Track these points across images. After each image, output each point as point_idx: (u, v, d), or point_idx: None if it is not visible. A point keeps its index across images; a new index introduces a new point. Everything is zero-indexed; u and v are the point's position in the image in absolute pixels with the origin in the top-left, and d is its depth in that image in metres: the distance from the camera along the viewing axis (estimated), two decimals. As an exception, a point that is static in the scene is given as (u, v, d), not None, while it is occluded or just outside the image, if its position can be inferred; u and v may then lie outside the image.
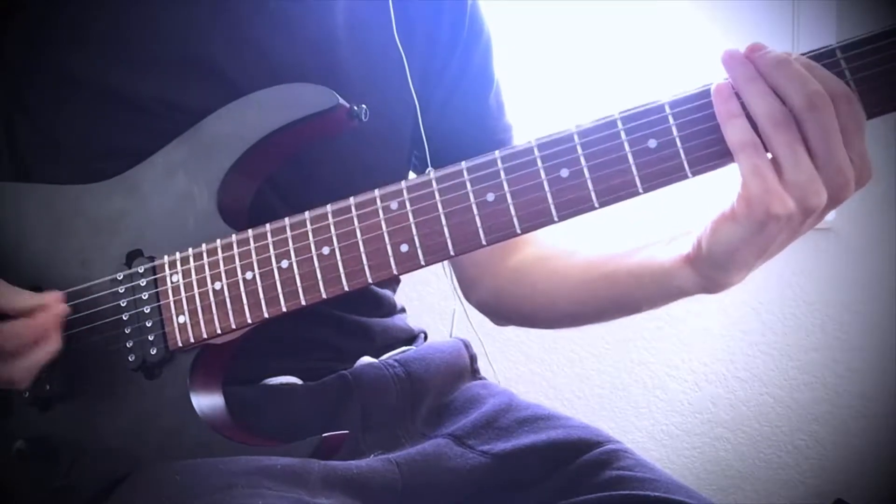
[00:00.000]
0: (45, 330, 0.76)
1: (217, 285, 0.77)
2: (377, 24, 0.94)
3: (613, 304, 0.86)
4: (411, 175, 0.99)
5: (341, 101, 0.77)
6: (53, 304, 0.77)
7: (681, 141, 0.67)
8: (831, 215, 1.94)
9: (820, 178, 0.63)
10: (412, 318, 1.03)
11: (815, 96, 0.62)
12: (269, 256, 0.76)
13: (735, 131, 0.65)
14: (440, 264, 0.91)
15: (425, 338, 1.02)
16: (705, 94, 0.67)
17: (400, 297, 1.04)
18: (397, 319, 1.00)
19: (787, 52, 0.65)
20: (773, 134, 0.64)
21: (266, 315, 0.76)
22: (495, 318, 1.04)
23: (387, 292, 1.00)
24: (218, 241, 0.78)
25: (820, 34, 1.94)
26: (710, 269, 0.72)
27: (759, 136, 0.65)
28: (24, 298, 0.77)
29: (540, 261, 0.94)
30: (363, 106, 0.79)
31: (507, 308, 1.00)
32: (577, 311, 0.90)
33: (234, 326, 0.77)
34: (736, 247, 0.68)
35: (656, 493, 0.78)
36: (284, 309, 0.75)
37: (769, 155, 0.65)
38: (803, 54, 0.65)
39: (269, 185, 0.85)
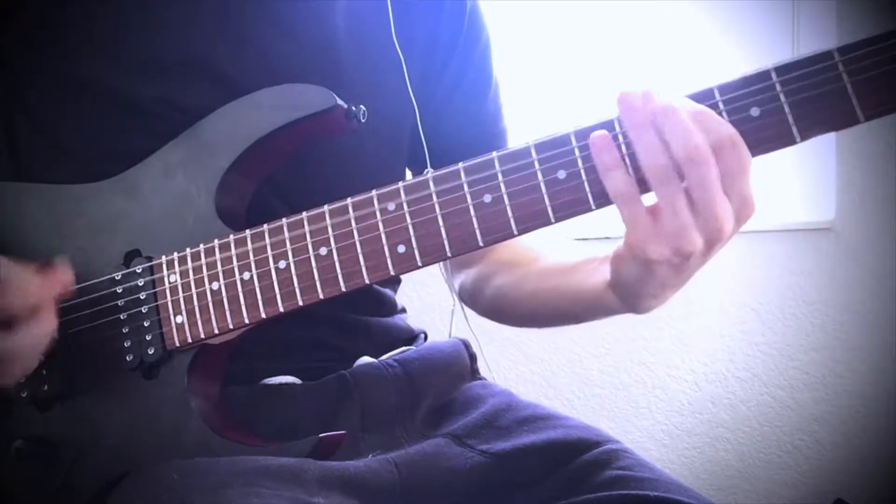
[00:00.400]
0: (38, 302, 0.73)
1: (215, 285, 0.77)
2: (377, 26, 0.94)
3: (561, 316, 0.90)
4: (409, 176, 0.99)
5: (339, 101, 0.77)
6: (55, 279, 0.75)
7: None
8: (831, 215, 1.96)
9: (696, 225, 0.65)
10: (412, 318, 1.03)
11: (694, 151, 0.63)
12: (267, 257, 0.76)
13: (613, 183, 0.66)
14: (438, 264, 0.91)
15: (425, 338, 1.02)
16: (707, 94, 0.67)
17: (400, 297, 1.04)
18: (398, 319, 1.00)
19: (681, 99, 0.65)
20: (654, 185, 0.65)
21: (263, 315, 0.76)
22: (472, 307, 1.04)
23: (388, 291, 1.00)
24: (216, 241, 0.78)
25: (820, 34, 1.93)
26: (624, 297, 0.75)
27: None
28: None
29: (507, 265, 0.96)
30: (361, 107, 0.79)
31: (481, 301, 1.00)
32: (533, 315, 0.94)
33: (231, 327, 0.77)
34: (633, 282, 0.72)
35: (656, 493, 0.78)
36: (282, 309, 0.75)
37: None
38: (801, 56, 0.65)
39: (269, 186, 0.85)
